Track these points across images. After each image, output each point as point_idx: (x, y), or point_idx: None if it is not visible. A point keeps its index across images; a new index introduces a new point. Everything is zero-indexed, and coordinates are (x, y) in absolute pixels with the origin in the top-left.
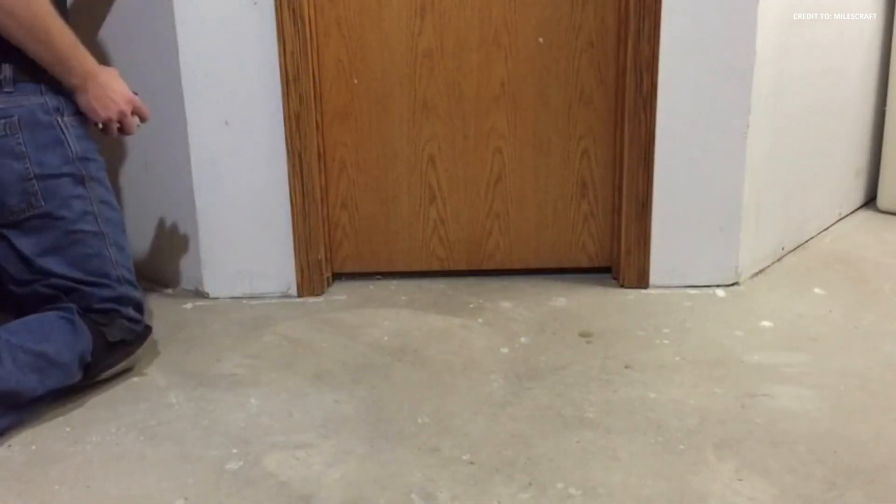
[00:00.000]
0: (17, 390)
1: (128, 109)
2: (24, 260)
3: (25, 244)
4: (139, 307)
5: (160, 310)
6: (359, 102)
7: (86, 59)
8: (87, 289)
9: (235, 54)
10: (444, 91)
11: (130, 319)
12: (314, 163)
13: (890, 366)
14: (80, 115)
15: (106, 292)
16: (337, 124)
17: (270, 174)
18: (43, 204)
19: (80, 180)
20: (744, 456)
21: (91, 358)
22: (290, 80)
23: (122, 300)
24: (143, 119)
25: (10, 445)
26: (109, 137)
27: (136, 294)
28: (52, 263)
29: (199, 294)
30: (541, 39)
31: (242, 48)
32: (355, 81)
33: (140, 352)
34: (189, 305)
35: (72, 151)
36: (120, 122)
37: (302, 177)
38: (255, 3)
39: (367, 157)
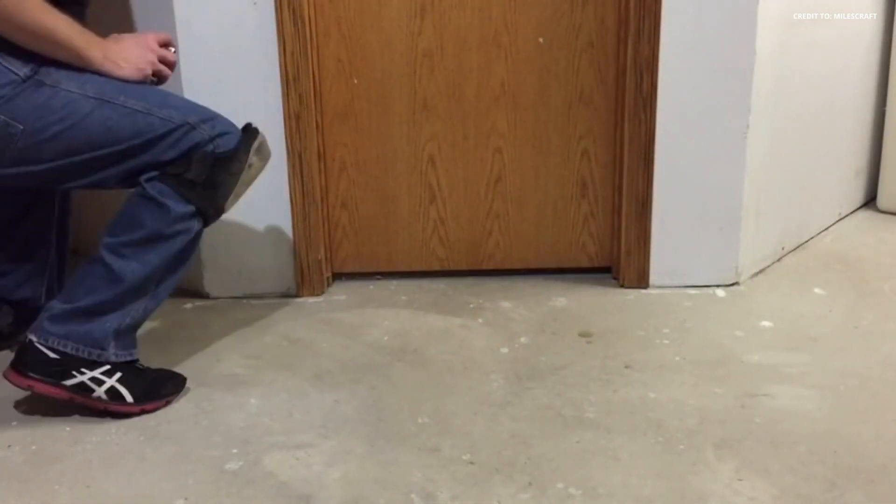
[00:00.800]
0: (136, 279)
1: (150, 64)
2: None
3: (49, 175)
4: (210, 122)
5: (160, 310)
6: (359, 102)
7: (91, 44)
8: (137, 157)
9: (235, 54)
10: (444, 91)
11: (209, 141)
12: (314, 163)
13: (890, 366)
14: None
15: (156, 147)
16: (337, 124)
17: (270, 174)
18: (20, 127)
19: (38, 84)
20: (744, 456)
21: (202, 203)
22: (290, 80)
23: (180, 136)
24: (169, 63)
25: (10, 445)
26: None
27: (194, 116)
28: (77, 170)
29: (199, 294)
30: (541, 39)
31: (242, 48)
32: (355, 81)
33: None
34: (189, 305)
35: (17, 74)
36: (155, 74)
37: (302, 177)
38: (254, 3)
39: (367, 157)
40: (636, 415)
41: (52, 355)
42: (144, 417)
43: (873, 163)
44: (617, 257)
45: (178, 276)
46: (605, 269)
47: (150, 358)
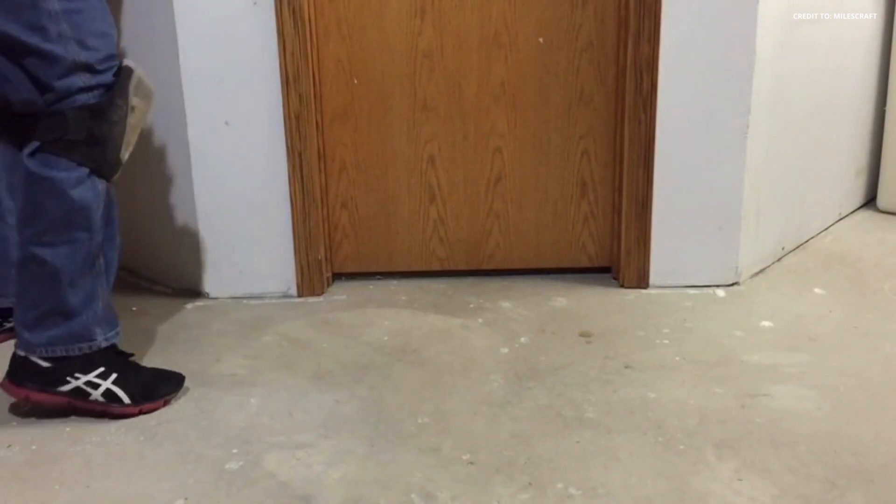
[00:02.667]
0: (75, 262)
1: None
2: None
3: None
4: (75, 68)
5: (160, 310)
6: (359, 102)
7: None
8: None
9: (235, 54)
10: (444, 91)
11: (80, 91)
12: (314, 163)
13: (890, 366)
14: None
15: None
16: (337, 124)
17: (270, 174)
18: None
19: None
20: (744, 456)
21: (92, 162)
22: (290, 80)
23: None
24: None
25: (10, 445)
26: None
27: (59, 64)
28: None
29: (199, 294)
30: (541, 39)
31: (242, 48)
32: (355, 81)
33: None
34: (189, 305)
35: None
36: None
37: (302, 177)
38: (255, 3)
39: (367, 157)
40: (636, 415)
41: (43, 364)
42: (144, 417)
43: (873, 163)
44: (617, 257)
45: (115, 236)
46: (605, 269)
47: (150, 358)
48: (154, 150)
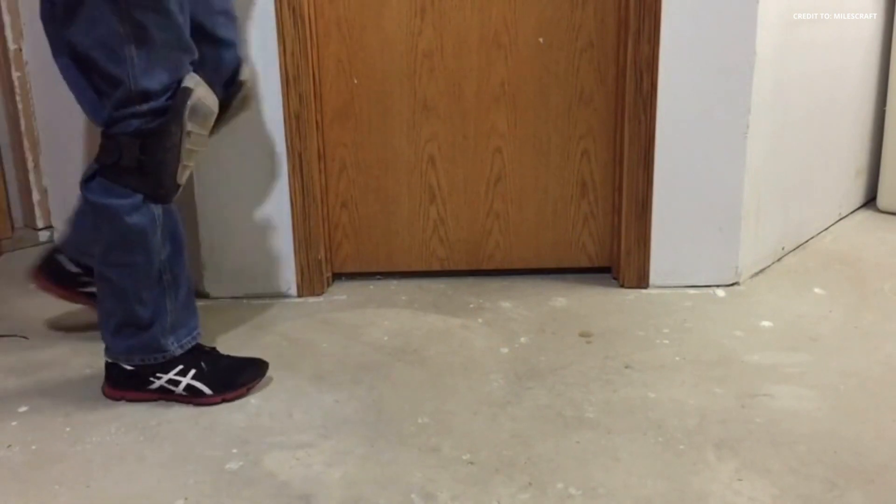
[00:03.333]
0: (139, 282)
1: None
2: None
3: None
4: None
5: None
6: (359, 102)
7: None
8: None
9: None
10: (444, 91)
11: (133, 116)
12: (314, 163)
13: (890, 366)
14: None
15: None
16: (337, 124)
17: (270, 174)
18: None
19: None
20: (744, 456)
21: (145, 189)
22: (290, 80)
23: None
24: None
25: (10, 445)
26: None
27: (121, 92)
28: None
29: (199, 294)
30: (541, 39)
31: (242, 48)
32: (355, 81)
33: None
34: None
35: None
36: None
37: (302, 177)
38: (255, 3)
39: (367, 157)
40: (636, 415)
41: (128, 367)
42: (144, 417)
43: (873, 163)
44: (617, 257)
45: (181, 250)
46: (605, 269)
47: None
48: None
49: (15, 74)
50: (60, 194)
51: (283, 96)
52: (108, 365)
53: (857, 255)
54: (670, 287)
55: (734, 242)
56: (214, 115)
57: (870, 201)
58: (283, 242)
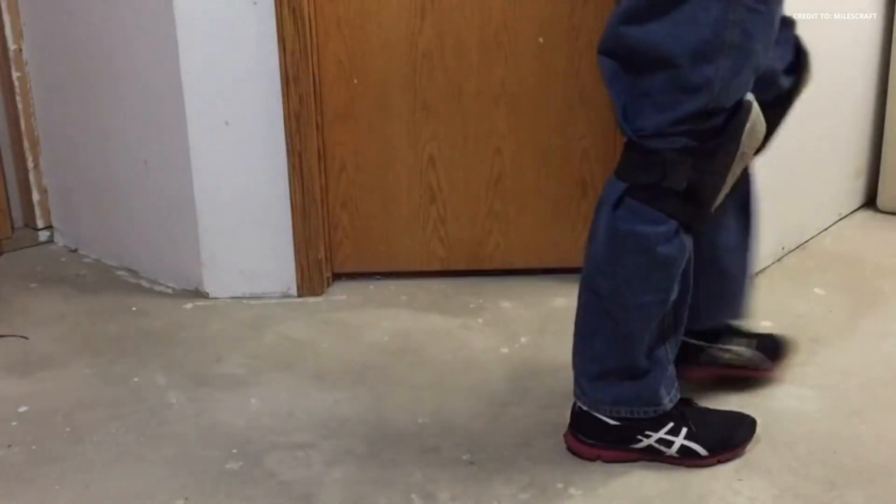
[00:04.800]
0: (645, 326)
1: None
2: None
3: None
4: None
5: (160, 310)
6: (359, 102)
7: None
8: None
9: (235, 54)
10: (444, 91)
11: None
12: (314, 163)
13: (890, 366)
14: None
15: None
16: (337, 124)
17: (270, 174)
18: None
19: None
20: (744, 456)
21: (684, 217)
22: (290, 81)
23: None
24: None
25: (10, 445)
26: None
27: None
28: None
29: (199, 294)
30: (541, 39)
31: (242, 48)
32: (355, 81)
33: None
34: (189, 305)
35: None
36: None
37: (302, 177)
38: (254, 3)
39: (367, 157)
40: None
41: (611, 422)
42: (144, 417)
43: (873, 163)
44: None
45: (687, 291)
46: None
47: (150, 358)
48: (154, 150)
49: (15, 74)
50: (60, 194)
51: (283, 96)
52: (579, 413)
53: (858, 255)
54: None
55: None
56: (762, 136)
57: (870, 201)
58: (283, 242)
